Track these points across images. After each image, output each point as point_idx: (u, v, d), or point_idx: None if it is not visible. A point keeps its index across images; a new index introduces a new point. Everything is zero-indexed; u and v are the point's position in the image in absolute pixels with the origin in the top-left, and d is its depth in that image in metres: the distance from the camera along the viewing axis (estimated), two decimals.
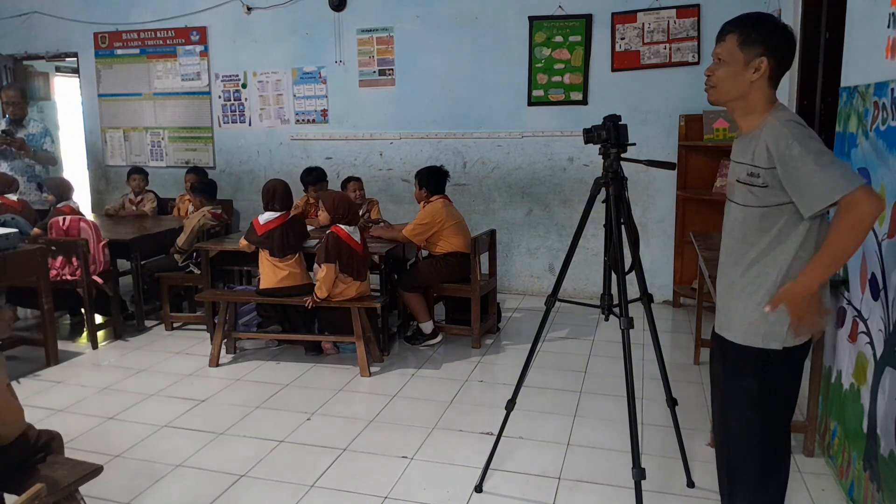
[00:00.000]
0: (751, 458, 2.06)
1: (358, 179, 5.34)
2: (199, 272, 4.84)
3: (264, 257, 4.22)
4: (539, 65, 5.72)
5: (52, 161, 5.93)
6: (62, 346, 4.63)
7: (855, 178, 1.75)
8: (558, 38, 5.64)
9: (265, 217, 4.24)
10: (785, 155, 1.81)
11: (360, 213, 5.27)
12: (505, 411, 2.84)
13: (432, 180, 4.64)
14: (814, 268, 1.85)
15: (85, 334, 4.94)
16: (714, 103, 2.03)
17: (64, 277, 4.63)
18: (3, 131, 5.50)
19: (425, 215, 4.55)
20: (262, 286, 4.27)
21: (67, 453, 2.36)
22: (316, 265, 4.20)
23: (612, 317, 2.64)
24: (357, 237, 4.17)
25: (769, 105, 1.94)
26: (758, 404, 2.00)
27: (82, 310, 4.93)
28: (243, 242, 4.29)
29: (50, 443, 2.26)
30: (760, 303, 1.95)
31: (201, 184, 5.51)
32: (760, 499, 2.10)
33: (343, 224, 4.14)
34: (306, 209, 5.37)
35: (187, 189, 5.82)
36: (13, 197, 5.12)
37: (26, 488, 1.91)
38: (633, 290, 2.52)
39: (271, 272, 4.21)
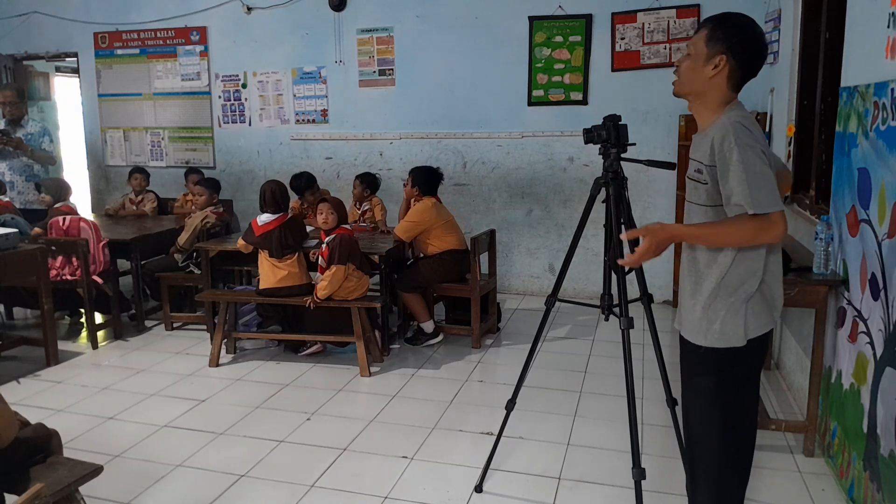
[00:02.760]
0: (708, 454, 2.05)
1: (361, 178, 5.30)
2: (199, 272, 4.84)
3: (263, 258, 4.23)
4: (539, 65, 5.72)
5: (51, 161, 5.93)
6: (62, 346, 4.63)
7: (775, 201, 1.80)
8: (558, 38, 5.64)
9: (263, 218, 4.24)
10: (725, 155, 1.84)
11: (362, 212, 5.28)
12: (505, 411, 2.84)
13: (425, 181, 4.65)
14: (695, 229, 1.93)
15: (85, 334, 4.94)
16: (676, 94, 2.05)
17: (64, 277, 4.62)
18: (0, 131, 5.50)
19: (414, 214, 4.57)
20: (261, 286, 4.27)
21: (67, 453, 2.36)
22: (321, 266, 4.19)
23: (612, 317, 2.64)
24: None
25: (724, 105, 1.95)
26: (712, 401, 2.01)
27: (82, 310, 4.93)
28: (241, 243, 4.29)
29: (49, 440, 2.26)
30: (703, 305, 1.97)
31: (208, 179, 5.53)
32: (717, 497, 2.08)
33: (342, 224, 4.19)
34: (302, 212, 5.37)
35: (190, 188, 5.77)
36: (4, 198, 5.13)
37: (26, 488, 1.91)
38: (633, 290, 2.52)
39: (271, 272, 4.22)
